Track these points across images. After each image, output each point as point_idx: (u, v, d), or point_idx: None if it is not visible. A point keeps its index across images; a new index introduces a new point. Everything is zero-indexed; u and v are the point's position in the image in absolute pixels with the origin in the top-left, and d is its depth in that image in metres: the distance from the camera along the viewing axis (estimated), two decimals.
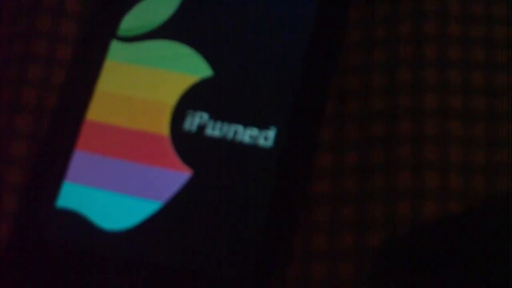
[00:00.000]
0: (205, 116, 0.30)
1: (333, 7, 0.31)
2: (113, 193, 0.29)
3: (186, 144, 0.29)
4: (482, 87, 0.30)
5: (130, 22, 0.31)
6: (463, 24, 0.31)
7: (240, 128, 0.29)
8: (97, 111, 0.30)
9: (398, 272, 0.28)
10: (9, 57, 0.31)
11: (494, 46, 0.31)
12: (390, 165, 0.29)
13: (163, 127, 0.30)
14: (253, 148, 0.29)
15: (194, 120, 0.30)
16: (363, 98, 0.30)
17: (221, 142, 0.29)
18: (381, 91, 0.30)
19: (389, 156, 0.29)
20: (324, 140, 0.30)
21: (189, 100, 0.30)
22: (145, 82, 0.30)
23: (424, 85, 0.30)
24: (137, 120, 0.30)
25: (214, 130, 0.29)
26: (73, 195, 0.29)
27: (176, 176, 0.29)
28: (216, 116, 0.29)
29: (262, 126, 0.29)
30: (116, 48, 0.31)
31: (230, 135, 0.29)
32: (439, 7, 0.31)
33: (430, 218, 0.28)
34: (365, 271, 0.28)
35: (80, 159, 0.29)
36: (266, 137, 0.29)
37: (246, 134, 0.29)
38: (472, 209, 0.28)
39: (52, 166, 0.30)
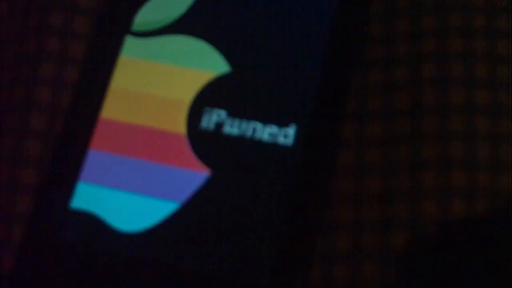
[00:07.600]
0: (222, 113, 0.29)
1: (354, 0, 0.30)
2: (128, 193, 0.28)
3: (204, 142, 0.28)
4: (509, 81, 0.29)
5: (145, 16, 0.30)
6: (488, 16, 0.30)
7: (259, 125, 0.28)
8: (112, 109, 0.29)
9: (423, 273, 0.27)
10: (21, 55, 0.31)
11: None
12: (415, 164, 0.28)
13: (180, 125, 0.29)
14: (272, 146, 0.28)
15: (212, 118, 0.29)
16: (386, 94, 0.30)
17: (240, 140, 0.28)
18: (404, 86, 0.30)
19: (413, 154, 0.29)
20: (345, 137, 0.29)
21: (206, 97, 0.29)
22: (161, 79, 0.29)
23: (449, 80, 0.29)
24: (153, 118, 0.29)
25: (232, 128, 0.29)
26: (88, 196, 0.28)
27: (193, 175, 0.28)
28: (234, 113, 0.29)
29: (282, 123, 0.28)
30: (130, 43, 0.30)
31: (248, 133, 0.28)
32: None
33: (456, 217, 0.28)
34: (390, 272, 0.27)
35: (95, 159, 0.29)
36: (286, 135, 0.28)
37: (265, 132, 0.28)
38: (500, 207, 0.28)
39: (66, 166, 0.29)
